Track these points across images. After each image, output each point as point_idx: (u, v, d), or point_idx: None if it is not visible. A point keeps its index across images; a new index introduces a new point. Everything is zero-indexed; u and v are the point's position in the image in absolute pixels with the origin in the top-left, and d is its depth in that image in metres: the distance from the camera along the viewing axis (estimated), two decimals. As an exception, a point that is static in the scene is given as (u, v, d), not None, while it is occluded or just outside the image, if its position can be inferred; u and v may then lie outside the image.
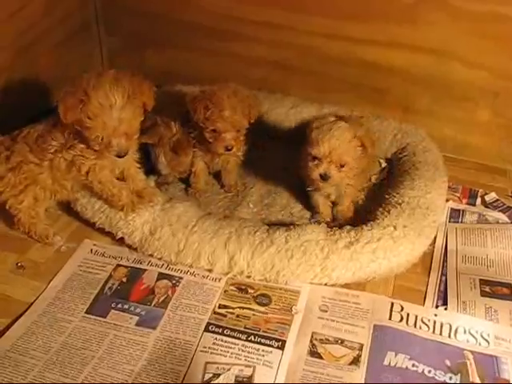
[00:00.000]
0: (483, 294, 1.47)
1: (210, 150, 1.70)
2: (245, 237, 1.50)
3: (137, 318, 1.41)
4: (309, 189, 1.70)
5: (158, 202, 1.61)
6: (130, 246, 1.59)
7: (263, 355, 1.31)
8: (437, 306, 1.45)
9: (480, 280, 1.51)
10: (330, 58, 1.99)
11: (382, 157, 1.97)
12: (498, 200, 1.80)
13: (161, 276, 1.52)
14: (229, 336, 1.35)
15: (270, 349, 1.32)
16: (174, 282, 1.50)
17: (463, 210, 1.76)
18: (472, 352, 1.31)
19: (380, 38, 1.90)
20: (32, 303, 1.44)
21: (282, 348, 1.33)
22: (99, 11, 2.24)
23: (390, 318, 1.39)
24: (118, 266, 1.55)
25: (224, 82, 1.67)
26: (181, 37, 2.16)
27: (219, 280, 1.50)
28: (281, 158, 1.90)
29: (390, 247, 1.47)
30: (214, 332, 1.36)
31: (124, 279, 1.51)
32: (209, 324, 1.39)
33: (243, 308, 1.43)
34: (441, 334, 1.36)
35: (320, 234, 1.50)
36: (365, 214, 1.70)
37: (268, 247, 1.47)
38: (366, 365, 1.29)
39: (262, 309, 1.43)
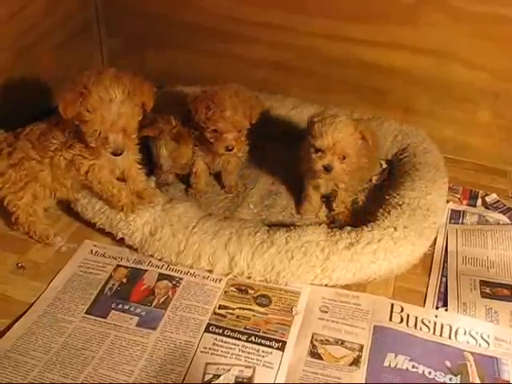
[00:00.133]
0: (483, 295, 1.47)
1: (211, 150, 1.70)
2: (245, 238, 1.50)
3: (137, 318, 1.41)
4: (302, 175, 1.73)
5: (158, 203, 1.61)
6: (130, 247, 1.59)
7: (263, 356, 1.31)
8: (437, 307, 1.45)
9: (480, 281, 1.51)
10: (331, 58, 1.99)
11: (382, 158, 1.97)
12: (498, 201, 1.80)
13: (161, 277, 1.52)
14: (229, 337, 1.35)
15: (270, 350, 1.32)
16: (174, 282, 1.50)
17: (464, 211, 1.76)
18: (472, 353, 1.31)
19: (380, 39, 1.90)
20: (32, 304, 1.44)
21: (282, 349, 1.33)
22: (100, 12, 2.24)
23: (390, 319, 1.39)
24: (119, 266, 1.55)
25: (225, 82, 1.67)
26: (182, 38, 2.16)
27: (219, 281, 1.50)
28: (281, 158, 1.90)
29: (391, 248, 1.47)
30: (214, 333, 1.37)
31: (124, 280, 1.51)
32: (209, 325, 1.39)
33: (243, 309, 1.43)
34: (441, 335, 1.36)
35: (320, 235, 1.50)
36: (365, 214, 1.70)
37: (268, 248, 1.47)
38: (366, 366, 1.29)
39: (262, 310, 1.43)
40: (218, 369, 1.28)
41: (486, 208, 1.79)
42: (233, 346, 1.33)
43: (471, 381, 1.26)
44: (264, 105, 1.76)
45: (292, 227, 1.55)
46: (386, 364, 1.29)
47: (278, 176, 1.91)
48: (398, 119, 1.99)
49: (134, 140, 1.52)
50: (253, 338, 1.35)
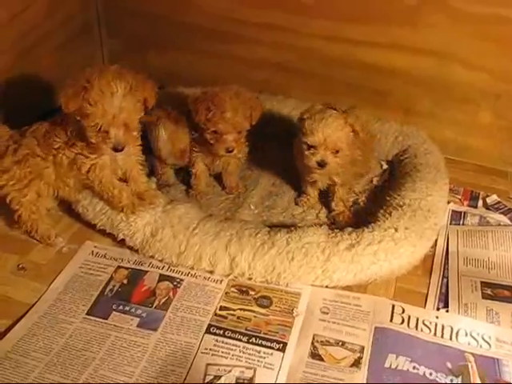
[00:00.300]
0: (484, 296, 1.46)
1: (211, 151, 1.70)
2: (246, 239, 1.50)
3: (138, 319, 1.41)
4: (298, 172, 1.75)
5: (159, 204, 1.61)
6: (131, 248, 1.59)
7: (264, 357, 1.31)
8: (438, 309, 1.45)
9: (481, 282, 1.51)
10: (331, 60, 1.99)
11: (383, 159, 1.98)
12: (499, 202, 1.80)
13: (162, 278, 1.52)
14: (230, 338, 1.35)
15: (271, 351, 1.32)
16: (175, 283, 1.50)
17: (464, 212, 1.76)
18: (473, 354, 1.31)
19: (381, 40, 1.90)
20: (33, 305, 1.44)
21: (282, 350, 1.32)
22: (101, 13, 2.24)
23: (391, 321, 1.39)
24: (119, 267, 1.55)
25: (226, 83, 1.67)
26: (183, 39, 2.16)
27: (220, 282, 1.50)
28: (282, 159, 1.90)
29: (391, 249, 1.47)
30: (215, 334, 1.37)
31: (125, 281, 1.51)
32: (210, 326, 1.39)
33: (244, 310, 1.43)
34: (442, 336, 1.36)
35: (321, 236, 1.50)
36: (366, 215, 1.70)
37: (269, 249, 1.47)
38: (367, 367, 1.29)
39: (263, 311, 1.43)
40: (218, 370, 1.28)
41: (487, 209, 1.79)
42: (233, 347, 1.33)
43: (472, 382, 1.26)
44: (264, 106, 1.76)
45: (293, 228, 1.55)
46: (387, 365, 1.29)
47: (279, 177, 1.92)
48: (399, 120, 1.99)
49: (135, 138, 1.52)
50: (253, 339, 1.35)
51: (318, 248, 1.47)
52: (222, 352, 1.32)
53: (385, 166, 1.96)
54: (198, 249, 1.50)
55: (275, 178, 1.92)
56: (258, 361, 1.30)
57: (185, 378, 1.26)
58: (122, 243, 1.61)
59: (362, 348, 1.33)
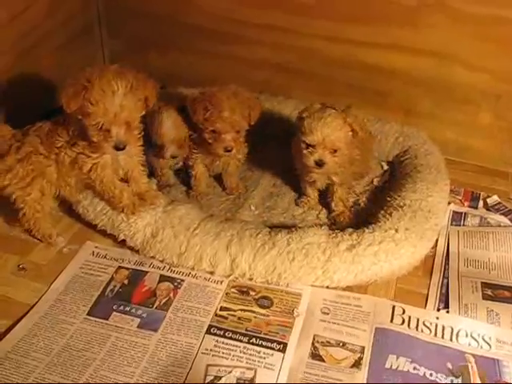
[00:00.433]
0: (485, 297, 1.46)
1: (210, 151, 1.70)
2: (246, 239, 1.50)
3: (138, 320, 1.41)
4: (297, 173, 1.75)
5: (159, 205, 1.61)
6: (131, 248, 1.59)
7: (264, 358, 1.31)
8: (438, 309, 1.45)
9: (482, 283, 1.51)
10: (332, 60, 1.99)
11: (383, 159, 1.98)
12: (499, 203, 1.80)
13: (162, 278, 1.52)
14: (230, 338, 1.35)
15: (272, 351, 1.32)
16: (175, 284, 1.50)
17: (465, 213, 1.76)
18: (473, 355, 1.31)
19: (381, 41, 1.90)
20: (34, 305, 1.44)
21: (283, 351, 1.33)
22: (102, 14, 2.24)
23: (391, 321, 1.39)
24: (120, 268, 1.55)
25: (226, 84, 1.67)
26: (183, 39, 2.16)
27: (221, 282, 1.50)
28: (283, 160, 1.90)
29: (392, 250, 1.47)
30: (215, 334, 1.37)
31: (126, 281, 1.51)
32: (210, 326, 1.39)
33: (245, 310, 1.43)
34: (442, 337, 1.36)
35: (322, 237, 1.50)
36: (366, 216, 1.70)
37: (270, 249, 1.47)
38: (368, 368, 1.29)
39: (264, 311, 1.43)
40: (219, 370, 1.28)
41: (488, 210, 1.79)
42: (234, 348, 1.33)
43: (472, 383, 1.26)
44: (264, 106, 1.76)
45: (293, 229, 1.55)
46: (388, 366, 1.29)
47: (280, 177, 1.92)
48: (399, 121, 1.99)
49: (137, 138, 1.52)
50: (254, 340, 1.35)
51: (318, 249, 1.47)
52: (223, 353, 1.32)
53: (385, 167, 1.96)
54: (199, 249, 1.50)
55: (276, 179, 1.92)
56: (259, 361, 1.30)
57: (185, 379, 1.26)
58: (122, 244, 1.61)
59: (363, 348, 1.33)
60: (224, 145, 1.64)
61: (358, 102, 1.98)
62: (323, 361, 1.31)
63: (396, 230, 1.52)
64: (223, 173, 1.85)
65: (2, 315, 1.41)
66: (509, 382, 1.26)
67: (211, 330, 1.38)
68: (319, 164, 1.57)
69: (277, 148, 1.96)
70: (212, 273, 1.51)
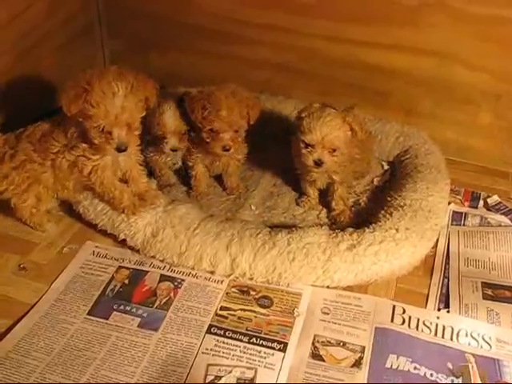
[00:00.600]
0: (485, 296, 1.46)
1: (208, 150, 1.70)
2: (247, 239, 1.50)
3: (139, 319, 1.41)
4: (298, 172, 1.75)
5: (160, 204, 1.61)
6: (132, 248, 1.59)
7: (265, 357, 1.31)
8: (439, 309, 1.45)
9: (482, 283, 1.51)
10: (333, 60, 1.99)
11: (384, 159, 1.98)
12: (500, 203, 1.80)
13: (163, 278, 1.52)
14: (231, 338, 1.35)
15: (272, 351, 1.32)
16: (176, 283, 1.50)
17: (465, 213, 1.76)
18: (474, 355, 1.31)
19: (382, 41, 1.90)
20: (34, 305, 1.44)
21: (283, 350, 1.33)
22: (102, 13, 2.24)
23: (391, 321, 1.39)
24: (120, 267, 1.55)
25: (225, 82, 1.67)
26: (184, 39, 2.16)
27: (221, 282, 1.50)
28: (283, 160, 1.90)
29: (392, 250, 1.47)
30: (215, 334, 1.37)
31: (126, 281, 1.51)
32: (211, 326, 1.39)
33: (245, 310, 1.43)
34: (443, 336, 1.36)
35: (322, 237, 1.50)
36: (367, 216, 1.70)
37: (270, 249, 1.47)
38: (368, 367, 1.29)
39: (264, 311, 1.43)
40: (219, 370, 1.28)
41: (488, 210, 1.79)
42: (234, 348, 1.33)
43: (473, 383, 1.26)
44: (265, 106, 1.76)
45: (294, 229, 1.55)
46: (388, 365, 1.29)
47: (280, 177, 1.92)
48: (400, 121, 1.99)
49: (136, 138, 1.52)
50: (254, 340, 1.35)
51: (318, 248, 1.47)
52: (223, 352, 1.32)
53: (386, 167, 1.96)
54: (199, 249, 1.51)
55: (276, 179, 1.92)
56: (259, 361, 1.30)
57: (185, 379, 1.26)
58: (123, 243, 1.61)
59: (363, 348, 1.33)
60: (222, 144, 1.64)
61: (358, 101, 1.98)
62: (323, 360, 1.31)
63: (396, 230, 1.52)
64: (223, 173, 1.85)
65: (2, 315, 1.41)
66: (509, 381, 1.26)
67: (211, 330, 1.38)
68: (318, 163, 1.57)
69: (277, 148, 1.95)
70: (212, 272, 1.51)
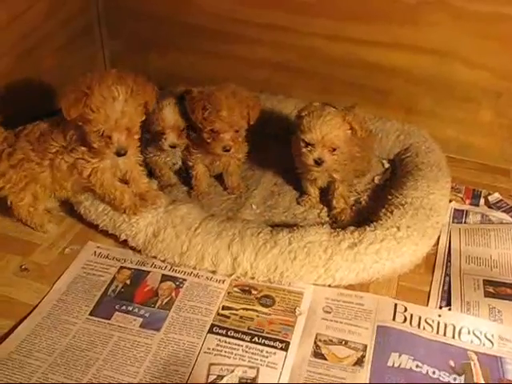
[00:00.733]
0: (487, 294, 1.46)
1: (209, 150, 1.70)
2: (248, 238, 1.50)
3: (141, 319, 1.41)
4: (298, 171, 1.75)
5: (161, 204, 1.61)
6: (133, 248, 1.60)
7: (267, 356, 1.31)
8: (440, 307, 1.45)
9: (484, 280, 1.51)
10: (333, 59, 1.99)
11: (384, 158, 1.98)
12: (501, 200, 1.80)
13: (164, 278, 1.52)
14: (233, 337, 1.35)
15: (274, 350, 1.32)
16: (177, 283, 1.50)
17: (466, 211, 1.76)
18: (476, 353, 1.31)
19: (382, 39, 1.90)
20: (36, 305, 1.44)
21: (285, 349, 1.33)
22: (102, 14, 2.24)
23: (393, 319, 1.39)
24: (122, 268, 1.56)
25: (225, 82, 1.67)
26: (184, 39, 2.16)
27: (223, 281, 1.50)
28: (284, 159, 1.90)
29: (394, 248, 1.47)
30: (217, 333, 1.37)
31: (128, 281, 1.52)
32: (213, 325, 1.39)
33: (247, 309, 1.43)
34: (445, 334, 1.36)
35: (323, 235, 1.50)
36: (368, 214, 1.70)
37: (271, 248, 1.47)
38: (370, 366, 1.28)
39: (266, 310, 1.43)
40: (221, 369, 1.28)
41: (489, 207, 1.78)
42: (236, 347, 1.33)
43: (475, 380, 1.26)
44: (265, 105, 1.76)
45: (295, 227, 1.55)
46: (390, 364, 1.29)
47: (281, 176, 1.92)
48: (400, 119, 1.99)
49: (136, 142, 1.52)
50: (256, 339, 1.35)
51: (320, 247, 1.47)
52: (225, 352, 1.32)
53: (386, 165, 1.96)
54: (201, 249, 1.51)
55: (277, 178, 1.92)
56: (261, 360, 1.30)
57: (188, 378, 1.26)
58: (124, 243, 1.61)
59: (365, 347, 1.33)
60: (223, 144, 1.64)
61: (358, 100, 1.98)
62: (326, 359, 1.31)
63: (398, 228, 1.52)
64: (224, 172, 1.85)
65: (4, 316, 1.41)
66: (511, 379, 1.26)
67: (213, 329, 1.38)
68: (318, 162, 1.57)
69: (278, 147, 1.95)
70: (214, 272, 1.51)
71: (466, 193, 1.84)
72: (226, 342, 1.34)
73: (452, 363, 1.29)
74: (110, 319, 1.41)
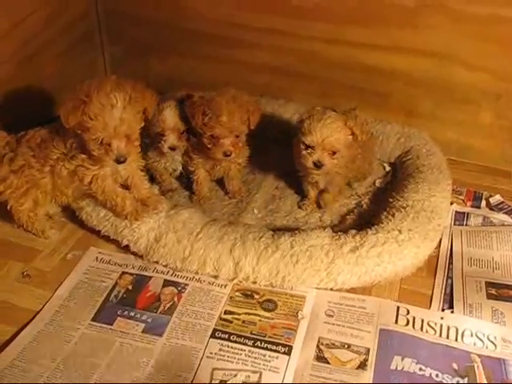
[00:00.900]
0: (489, 296, 1.46)
1: (209, 156, 1.70)
2: (250, 242, 1.50)
3: (143, 325, 1.41)
4: (300, 174, 1.75)
5: (162, 210, 1.61)
6: (135, 254, 1.60)
7: (270, 361, 1.31)
8: (443, 309, 1.45)
9: (486, 282, 1.50)
10: (332, 62, 2.00)
11: (385, 161, 1.98)
12: (502, 202, 1.80)
13: (166, 283, 1.52)
14: (235, 342, 1.35)
15: (277, 354, 1.32)
16: (179, 288, 1.50)
17: (468, 213, 1.76)
18: (479, 355, 1.31)
19: (381, 43, 1.90)
20: (38, 312, 1.44)
21: (288, 353, 1.32)
22: (102, 20, 2.25)
23: (396, 322, 1.39)
24: (124, 273, 1.56)
25: (225, 87, 1.67)
26: (184, 44, 2.16)
27: (225, 286, 1.50)
28: (285, 163, 1.90)
29: (395, 251, 1.47)
30: (220, 338, 1.37)
31: (130, 287, 1.52)
32: (215, 330, 1.39)
33: (249, 314, 1.43)
34: (447, 337, 1.36)
35: (325, 239, 1.50)
36: (369, 218, 1.70)
37: (273, 252, 1.47)
38: (373, 369, 1.28)
39: (268, 314, 1.43)
40: (224, 374, 1.28)
41: (491, 209, 1.78)
42: (239, 352, 1.33)
43: (479, 383, 1.25)
44: (264, 109, 1.76)
45: (296, 231, 1.55)
46: (393, 367, 1.28)
47: (282, 180, 1.92)
48: (401, 122, 2.00)
49: (136, 149, 1.52)
50: (259, 343, 1.35)
51: (321, 251, 1.47)
52: (228, 356, 1.32)
53: (387, 168, 1.96)
54: (202, 253, 1.51)
55: (278, 182, 1.92)
56: (264, 364, 1.30)
57: (191, 383, 1.26)
58: (126, 249, 1.61)
59: (368, 350, 1.33)
60: (223, 149, 1.64)
61: (358, 103, 1.98)
62: (328, 363, 1.31)
63: (399, 231, 1.52)
64: (225, 177, 1.85)
65: (7, 322, 1.41)
66: (515, 381, 1.26)
67: (216, 334, 1.38)
68: (317, 165, 1.58)
69: (278, 151, 1.95)
70: (216, 277, 1.51)
71: (467, 195, 1.84)
72: (228, 346, 1.34)
73: (455, 366, 1.29)
74: (112, 325, 1.41)
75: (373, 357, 1.31)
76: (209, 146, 1.66)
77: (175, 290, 1.50)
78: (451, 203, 1.75)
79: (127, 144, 1.44)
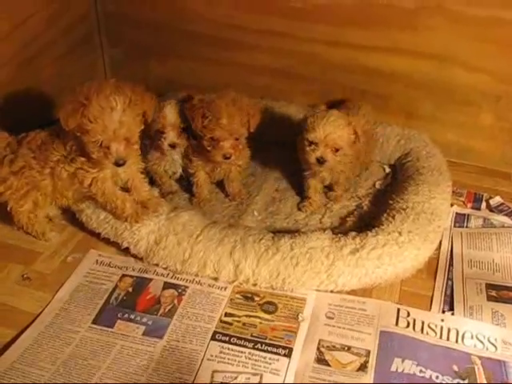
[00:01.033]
0: (490, 298, 1.46)
1: (209, 158, 1.70)
2: (250, 245, 1.50)
3: (143, 327, 1.41)
4: (305, 173, 1.76)
5: (162, 212, 1.61)
6: (135, 256, 1.60)
7: (270, 363, 1.31)
8: (443, 311, 1.44)
9: (486, 284, 1.50)
10: (332, 64, 2.00)
11: (385, 163, 1.98)
12: (503, 204, 1.80)
13: (166, 285, 1.52)
14: (235, 344, 1.35)
15: (277, 357, 1.32)
16: (179, 291, 1.50)
17: (468, 215, 1.76)
18: (480, 357, 1.31)
19: (381, 45, 1.91)
20: (38, 314, 1.44)
21: (288, 356, 1.32)
22: (101, 22, 2.25)
23: (396, 324, 1.39)
24: (124, 275, 1.55)
25: (225, 89, 1.67)
26: (183, 46, 2.16)
27: (225, 288, 1.50)
28: (285, 165, 1.90)
29: (396, 253, 1.47)
30: (220, 340, 1.36)
31: (130, 289, 1.51)
32: (215, 333, 1.39)
33: (249, 316, 1.43)
34: (448, 339, 1.35)
35: (325, 241, 1.50)
36: (369, 219, 1.70)
37: (273, 255, 1.47)
38: (374, 371, 1.28)
39: (269, 317, 1.43)
40: (224, 376, 1.28)
41: (491, 211, 1.78)
42: (239, 354, 1.33)
43: (479, 384, 1.26)
44: (263, 110, 1.76)
45: (297, 233, 1.55)
46: (394, 369, 1.28)
47: (282, 183, 1.92)
48: (401, 124, 2.00)
49: (135, 152, 1.52)
50: (259, 346, 1.35)
51: (322, 253, 1.47)
52: (228, 359, 1.32)
53: (387, 170, 1.96)
54: (202, 256, 1.51)
55: (278, 184, 1.92)
56: (264, 367, 1.30)
57: (191, 386, 1.26)
58: (126, 251, 1.61)
59: (368, 352, 1.33)
60: (223, 152, 1.64)
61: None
62: (329, 365, 1.31)
63: (399, 233, 1.52)
64: (225, 179, 1.85)
65: (7, 325, 1.41)
66: (515, 383, 1.26)
67: (216, 337, 1.38)
68: (320, 161, 1.59)
69: (278, 153, 1.96)
70: (216, 279, 1.51)
71: (467, 197, 1.84)
72: (228, 348, 1.34)
73: (456, 368, 1.29)
74: (112, 327, 1.41)
75: (373, 359, 1.31)
76: (208, 148, 1.65)
77: (175, 293, 1.50)
78: (451, 205, 1.75)
79: (126, 147, 1.44)
